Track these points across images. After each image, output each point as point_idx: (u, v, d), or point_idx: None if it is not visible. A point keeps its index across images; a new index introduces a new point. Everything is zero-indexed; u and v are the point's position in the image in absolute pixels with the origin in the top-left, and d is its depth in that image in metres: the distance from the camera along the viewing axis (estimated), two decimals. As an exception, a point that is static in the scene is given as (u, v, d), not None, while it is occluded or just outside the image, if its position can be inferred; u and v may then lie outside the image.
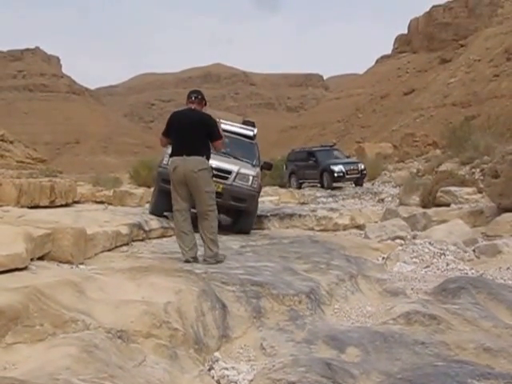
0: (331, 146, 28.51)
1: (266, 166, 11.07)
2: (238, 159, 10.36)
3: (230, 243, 8.23)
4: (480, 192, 13.09)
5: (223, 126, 10.34)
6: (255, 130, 11.57)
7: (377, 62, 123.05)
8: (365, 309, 5.18)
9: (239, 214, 10.08)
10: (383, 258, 7.82)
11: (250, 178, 9.75)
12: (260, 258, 6.86)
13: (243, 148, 11.00)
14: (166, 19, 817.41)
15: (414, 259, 7.45)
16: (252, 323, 4.38)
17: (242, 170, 9.74)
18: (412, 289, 5.76)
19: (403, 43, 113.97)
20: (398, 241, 9.05)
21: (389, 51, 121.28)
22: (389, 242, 9.08)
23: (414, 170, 23.73)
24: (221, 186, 9.23)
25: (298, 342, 4.03)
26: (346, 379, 3.22)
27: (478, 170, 16.09)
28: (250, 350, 3.96)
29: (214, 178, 8.84)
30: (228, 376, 3.47)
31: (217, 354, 3.79)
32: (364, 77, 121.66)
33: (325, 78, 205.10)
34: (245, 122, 11.96)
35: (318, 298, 5.09)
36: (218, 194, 8.83)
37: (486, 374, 3.20)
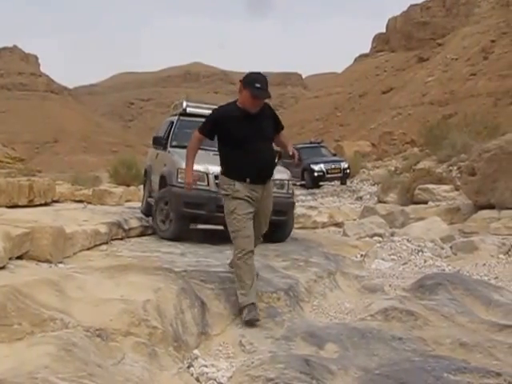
0: (319, 143, 28.07)
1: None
2: None
3: (209, 240, 8.21)
4: (457, 189, 13.23)
5: (205, 112, 9.10)
6: None
7: (355, 60, 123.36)
8: (343, 305, 5.22)
9: (275, 227, 8.07)
10: (361, 255, 7.88)
11: (286, 183, 8.30)
12: (239, 255, 6.85)
13: None
14: (148, 18, 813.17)
15: (392, 256, 7.53)
16: (231, 320, 4.40)
17: (276, 176, 7.65)
18: (390, 285, 5.82)
19: (381, 42, 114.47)
20: (376, 238, 9.13)
21: (367, 50, 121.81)
22: (367, 239, 9.16)
23: (392, 168, 23.89)
24: None
25: (276, 339, 4.06)
26: (324, 375, 3.25)
27: (455, 167, 16.25)
28: (229, 347, 3.98)
29: None
30: (207, 373, 3.48)
31: (196, 351, 3.80)
32: (343, 75, 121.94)
33: (304, 76, 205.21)
34: None
35: (296, 295, 5.12)
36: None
37: (461, 368, 3.25)
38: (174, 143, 8.98)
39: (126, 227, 8.16)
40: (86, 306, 3.71)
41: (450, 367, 3.26)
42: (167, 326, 3.80)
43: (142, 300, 3.90)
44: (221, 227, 9.62)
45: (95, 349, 3.22)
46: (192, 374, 3.50)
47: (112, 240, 7.55)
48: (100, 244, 7.02)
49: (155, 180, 9.48)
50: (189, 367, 3.58)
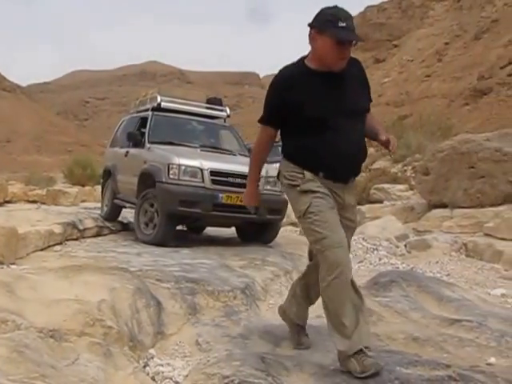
0: (277, 142, 28.07)
1: None
2: (230, 153, 8.65)
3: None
4: (412, 189, 13.44)
5: (186, 108, 9.30)
6: (228, 110, 9.80)
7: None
8: (299, 303, 5.25)
9: (264, 227, 8.19)
10: (318, 253, 7.92)
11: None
12: (196, 255, 6.84)
13: (222, 136, 9.32)
14: (102, 16, 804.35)
15: (348, 254, 7.61)
16: (187, 320, 4.39)
17: (271, 172, 7.19)
18: (345, 283, 5.88)
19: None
20: (332, 237, 9.18)
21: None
22: (324, 238, 9.20)
23: (349, 168, 24.07)
24: None
25: (233, 338, 4.06)
26: (279, 372, 3.27)
27: (409, 167, 16.49)
28: (185, 347, 3.97)
29: (239, 189, 6.96)
30: (163, 372, 3.47)
31: (152, 350, 3.78)
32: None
33: (261, 76, 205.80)
34: (210, 100, 9.82)
35: (253, 293, 5.14)
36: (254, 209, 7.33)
37: (413, 361, 3.32)
38: (153, 139, 8.51)
39: (81, 227, 8.06)
40: (39, 307, 3.65)
41: (403, 361, 3.33)
42: (122, 326, 3.77)
43: (96, 300, 3.86)
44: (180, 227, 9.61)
45: (48, 350, 3.17)
46: (148, 374, 3.48)
47: (67, 240, 7.45)
48: (54, 244, 6.93)
49: (124, 180, 9.07)
50: (144, 367, 3.56)
